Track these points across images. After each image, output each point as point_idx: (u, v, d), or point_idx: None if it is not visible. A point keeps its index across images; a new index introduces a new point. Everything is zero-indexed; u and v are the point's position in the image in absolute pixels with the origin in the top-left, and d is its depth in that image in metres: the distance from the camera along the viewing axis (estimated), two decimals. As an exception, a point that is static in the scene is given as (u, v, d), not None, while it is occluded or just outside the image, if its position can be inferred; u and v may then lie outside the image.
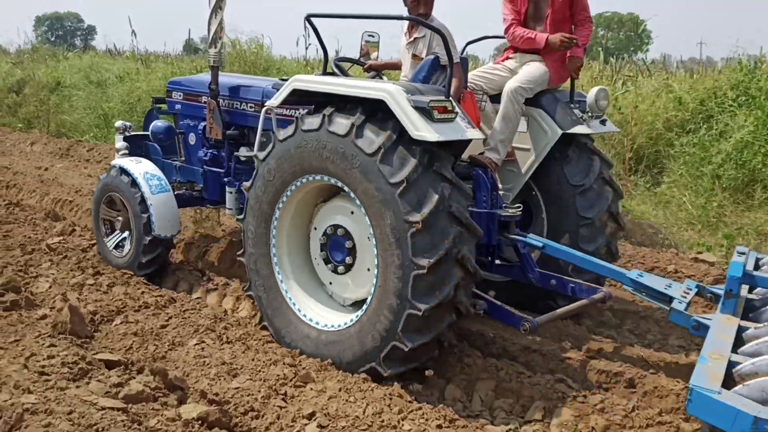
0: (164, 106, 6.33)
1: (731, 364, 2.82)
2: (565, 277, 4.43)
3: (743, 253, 3.82)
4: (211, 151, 5.66)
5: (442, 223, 3.53)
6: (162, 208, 5.36)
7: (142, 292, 4.91)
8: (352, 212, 3.96)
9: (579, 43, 4.64)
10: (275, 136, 4.12)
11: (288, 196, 4.12)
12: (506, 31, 4.92)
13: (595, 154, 4.81)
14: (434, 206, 3.49)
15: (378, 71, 5.43)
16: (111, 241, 5.67)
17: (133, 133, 6.10)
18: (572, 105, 4.70)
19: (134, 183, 5.37)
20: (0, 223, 6.68)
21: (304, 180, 4.03)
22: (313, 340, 4.01)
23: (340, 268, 4.06)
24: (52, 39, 49.65)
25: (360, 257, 3.97)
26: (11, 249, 5.83)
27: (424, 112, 3.59)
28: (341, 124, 3.73)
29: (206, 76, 6.07)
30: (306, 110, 4.79)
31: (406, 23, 4.75)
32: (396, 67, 5.38)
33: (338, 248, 4.06)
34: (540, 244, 4.26)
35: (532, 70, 4.63)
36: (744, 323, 3.32)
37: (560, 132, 4.56)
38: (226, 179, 5.50)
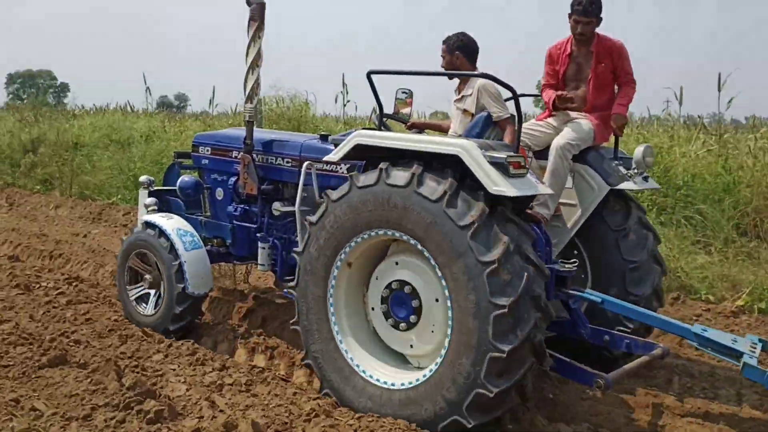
0: (187, 161, 6.27)
1: None
2: (618, 333, 4.43)
3: None
4: (241, 206, 5.59)
5: (516, 262, 3.52)
6: (195, 264, 5.25)
7: (294, 393, 4.28)
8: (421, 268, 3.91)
9: (622, 102, 4.77)
10: (328, 197, 4.07)
11: (345, 254, 4.07)
12: (541, 90, 5.07)
13: (632, 201, 4.90)
14: (505, 246, 3.49)
15: (420, 129, 5.47)
16: (133, 293, 5.53)
17: (155, 188, 6.01)
18: (616, 162, 4.78)
19: (165, 238, 5.26)
20: (72, 303, 5.88)
21: (363, 237, 3.98)
22: (384, 400, 3.90)
23: (402, 325, 3.99)
24: (24, 96, 49.08)
25: (425, 316, 3.90)
26: (104, 337, 5.07)
27: (501, 167, 3.60)
28: (403, 177, 3.73)
29: (235, 131, 6.08)
30: (347, 165, 4.83)
31: (456, 82, 4.83)
32: (439, 128, 5.44)
33: (402, 304, 4.00)
34: (599, 300, 4.25)
35: (579, 127, 4.71)
36: None
37: (608, 188, 4.62)
38: (258, 234, 5.43)
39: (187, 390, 4.06)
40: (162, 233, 5.29)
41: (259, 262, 5.43)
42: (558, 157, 4.59)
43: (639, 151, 4.70)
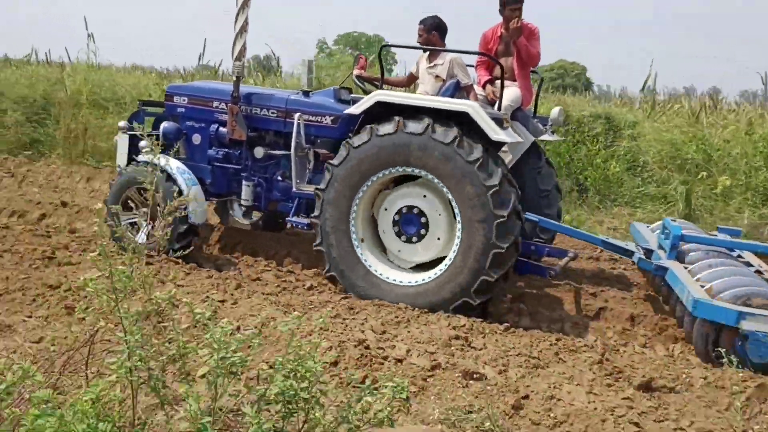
0: (153, 109, 6.99)
1: None
2: (540, 243, 6.14)
3: (674, 220, 5.80)
4: (222, 150, 6.49)
5: (507, 186, 5.05)
6: (196, 197, 6.13)
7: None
8: (425, 195, 5.29)
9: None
10: (375, 130, 5.25)
11: (364, 190, 5.31)
12: (476, 66, 6.59)
13: (541, 149, 6.61)
14: (501, 174, 4.99)
15: (367, 80, 6.61)
16: (140, 237, 6.25)
17: (131, 132, 6.68)
18: (536, 119, 6.43)
19: (169, 177, 6.07)
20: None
21: (380, 174, 5.26)
22: (401, 294, 5.24)
23: (414, 239, 5.35)
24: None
25: (432, 229, 5.29)
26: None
27: (498, 121, 5.06)
28: (420, 127, 5.08)
29: (212, 84, 6.94)
30: (331, 117, 6.00)
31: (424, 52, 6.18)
32: (386, 82, 6.70)
33: (411, 223, 5.34)
34: (536, 219, 5.89)
35: (513, 93, 6.25)
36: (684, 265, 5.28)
37: (533, 139, 6.26)
38: (243, 174, 6.40)
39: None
40: (162, 170, 6.08)
41: (243, 197, 6.43)
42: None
43: (555, 111, 6.41)
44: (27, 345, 3.81)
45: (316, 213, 5.54)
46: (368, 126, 5.26)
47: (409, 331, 4.45)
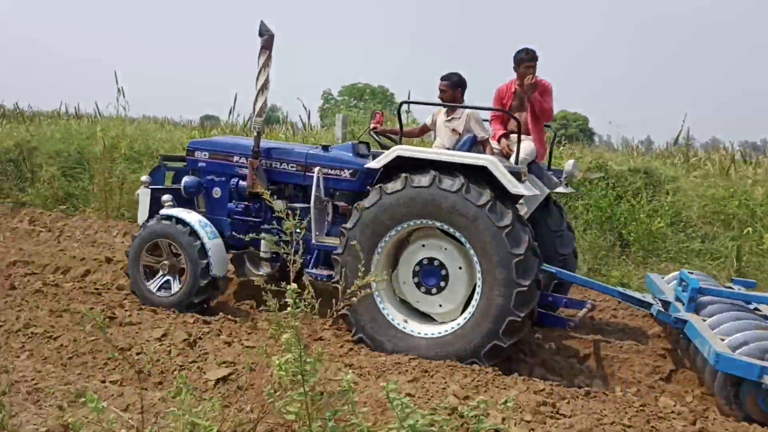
0: (173, 164, 7.14)
1: None
2: (557, 295, 6.19)
3: (691, 273, 5.86)
4: (242, 203, 6.61)
5: (520, 225, 5.13)
6: (217, 252, 6.23)
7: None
8: (445, 248, 5.36)
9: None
10: (383, 189, 5.37)
11: (390, 236, 5.40)
12: (491, 120, 6.73)
13: (552, 197, 6.72)
14: (513, 215, 5.08)
15: (382, 134, 6.79)
16: (153, 284, 6.34)
17: (153, 187, 6.82)
18: (550, 172, 6.54)
19: (192, 231, 6.18)
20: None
21: (404, 225, 5.35)
22: (430, 344, 5.27)
23: (433, 290, 5.41)
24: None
25: (451, 282, 5.36)
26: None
27: (516, 175, 5.17)
28: (451, 183, 5.16)
29: (232, 139, 7.11)
30: (350, 170, 6.11)
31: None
32: (397, 133, 6.80)
33: (431, 275, 5.41)
34: (554, 270, 5.95)
35: (528, 146, 6.38)
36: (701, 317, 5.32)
37: (548, 191, 6.36)
38: (263, 227, 6.50)
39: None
40: (186, 225, 6.20)
41: (262, 249, 6.52)
42: (518, 169, 6.26)
43: (569, 164, 6.53)
44: (113, 411, 3.77)
45: (339, 251, 5.61)
46: (403, 175, 5.35)
47: (492, 396, 4.35)
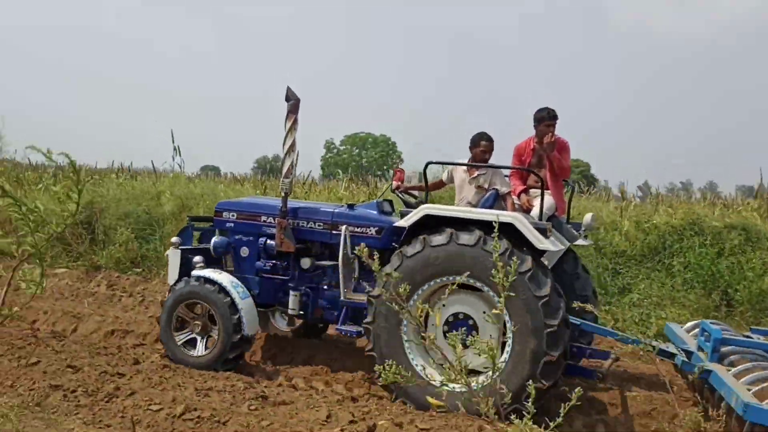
0: (201, 224, 7.36)
1: None
2: (581, 345, 6.34)
3: (713, 323, 6.01)
4: (270, 261, 6.80)
5: (555, 295, 5.30)
6: (249, 310, 6.40)
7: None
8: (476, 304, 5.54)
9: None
10: (402, 253, 5.58)
11: (416, 297, 5.57)
12: (510, 177, 6.98)
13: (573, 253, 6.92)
14: (550, 285, 5.26)
15: (405, 191, 7.06)
16: (181, 339, 6.50)
17: (182, 247, 7.01)
18: (569, 225, 6.76)
19: (222, 290, 6.35)
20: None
21: (432, 282, 5.53)
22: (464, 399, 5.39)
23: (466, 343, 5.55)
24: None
25: (480, 334, 5.51)
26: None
27: (542, 231, 5.37)
28: (468, 238, 5.39)
29: (258, 199, 7.36)
30: (375, 228, 6.32)
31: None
32: (421, 188, 7.00)
33: (459, 329, 5.56)
34: (578, 323, 6.11)
35: (548, 202, 6.60)
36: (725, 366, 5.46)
37: (568, 244, 6.56)
38: (290, 284, 6.68)
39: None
40: (217, 285, 6.38)
41: (290, 307, 6.69)
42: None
43: (588, 217, 6.75)
44: None
45: (369, 319, 5.77)
46: (448, 229, 5.54)
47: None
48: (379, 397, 5.93)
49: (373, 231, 6.43)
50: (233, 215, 7.04)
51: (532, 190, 6.80)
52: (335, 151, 55.13)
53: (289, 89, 6.57)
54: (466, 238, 5.42)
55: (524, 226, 5.38)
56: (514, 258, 5.23)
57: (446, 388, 5.49)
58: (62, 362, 5.81)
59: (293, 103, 6.60)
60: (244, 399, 5.32)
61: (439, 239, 5.50)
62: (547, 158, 6.76)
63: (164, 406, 4.99)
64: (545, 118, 6.72)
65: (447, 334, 5.64)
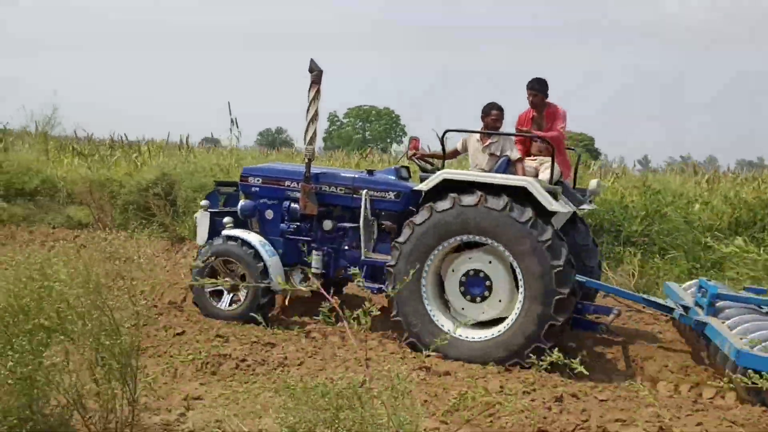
0: (226, 189, 7.78)
1: None
2: (586, 302, 6.79)
3: (709, 281, 6.46)
4: (294, 223, 7.23)
5: (558, 240, 5.77)
6: (276, 267, 6.84)
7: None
8: (490, 261, 5.98)
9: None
10: (433, 207, 6.01)
11: (440, 250, 6.02)
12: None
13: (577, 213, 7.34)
14: (552, 230, 5.73)
15: (421, 158, 7.45)
16: (223, 303, 6.97)
17: (211, 210, 7.44)
18: (575, 191, 7.17)
19: (250, 248, 6.80)
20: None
21: (452, 240, 5.97)
22: (462, 348, 5.88)
23: (478, 299, 6.01)
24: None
25: (495, 291, 5.97)
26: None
27: (552, 194, 5.80)
28: (497, 202, 5.80)
29: (282, 165, 7.75)
30: (394, 192, 6.74)
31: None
32: (436, 156, 7.42)
33: (476, 285, 6.02)
34: (584, 280, 6.55)
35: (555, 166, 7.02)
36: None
37: (574, 208, 6.97)
38: (314, 245, 7.12)
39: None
40: (247, 244, 6.82)
41: (313, 266, 7.11)
42: (547, 187, 6.89)
43: (593, 183, 7.17)
44: None
45: (392, 262, 6.22)
46: (451, 195, 5.98)
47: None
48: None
49: (392, 195, 6.84)
50: (259, 180, 7.45)
51: (538, 157, 7.20)
52: (338, 123, 55.47)
53: (312, 61, 6.95)
54: (493, 202, 5.84)
55: (536, 189, 5.80)
56: (537, 227, 5.70)
57: (466, 339, 5.98)
58: (207, 332, 6.28)
59: (316, 73, 6.97)
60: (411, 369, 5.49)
61: (468, 200, 5.92)
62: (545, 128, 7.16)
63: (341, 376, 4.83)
64: (527, 88, 7.13)
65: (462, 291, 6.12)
